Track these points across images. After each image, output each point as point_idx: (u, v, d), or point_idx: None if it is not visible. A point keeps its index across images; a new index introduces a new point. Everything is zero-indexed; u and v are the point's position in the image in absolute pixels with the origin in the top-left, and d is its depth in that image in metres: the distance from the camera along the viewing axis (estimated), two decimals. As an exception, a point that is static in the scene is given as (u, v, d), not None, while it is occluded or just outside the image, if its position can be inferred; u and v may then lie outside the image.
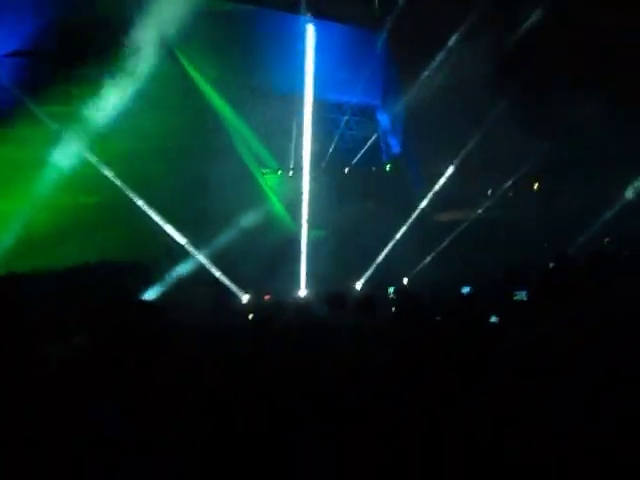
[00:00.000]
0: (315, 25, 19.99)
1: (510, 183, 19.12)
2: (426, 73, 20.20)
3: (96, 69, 15.89)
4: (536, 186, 22.71)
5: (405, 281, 14.23)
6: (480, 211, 18.28)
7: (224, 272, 14.91)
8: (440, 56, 20.30)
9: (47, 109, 14.90)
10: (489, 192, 23.26)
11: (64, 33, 16.24)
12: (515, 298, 4.68)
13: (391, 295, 12.80)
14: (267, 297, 13.75)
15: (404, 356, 3.58)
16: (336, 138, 22.13)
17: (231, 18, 19.16)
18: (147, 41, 17.17)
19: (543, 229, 15.20)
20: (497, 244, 14.61)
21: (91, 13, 16.28)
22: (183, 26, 18.27)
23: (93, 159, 14.44)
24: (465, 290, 6.64)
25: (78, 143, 14.33)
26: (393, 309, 6.41)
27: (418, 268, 14.86)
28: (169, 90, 16.98)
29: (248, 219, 15.30)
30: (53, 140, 14.41)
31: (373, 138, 23.04)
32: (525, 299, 4.61)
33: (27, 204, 13.71)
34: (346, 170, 21.33)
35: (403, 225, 16.90)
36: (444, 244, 14.70)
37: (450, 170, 17.51)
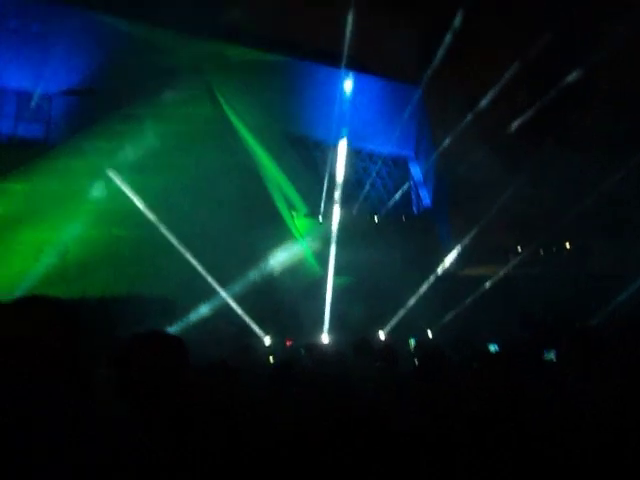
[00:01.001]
0: (352, 77, 20.63)
1: (540, 241, 18.90)
2: (459, 128, 20.47)
3: (141, 109, 16.68)
4: (568, 245, 22.40)
5: (429, 333, 14.00)
6: (509, 267, 18.03)
7: (248, 312, 14.93)
8: (473, 113, 20.63)
9: (91, 144, 15.57)
10: (518, 249, 23.02)
11: (114, 75, 17.19)
12: (545, 358, 4.55)
13: (412, 346, 12.62)
14: (289, 342, 13.66)
15: (424, 408, 3.53)
16: (367, 186, 22.43)
17: (271, 67, 20.01)
18: (191, 85, 18.02)
19: (574, 289, 14.88)
20: (525, 301, 14.32)
21: (140, 58, 17.28)
22: (226, 72, 19.18)
23: (129, 194, 14.90)
24: (492, 348, 6.47)
25: (116, 178, 14.88)
26: (415, 361, 6.33)
27: (443, 321, 14.62)
28: (207, 131, 17.62)
29: (275, 261, 15.43)
30: (93, 174, 15.01)
31: (404, 188, 23.30)
32: (554, 359, 4.49)
33: (64, 234, 14.16)
34: (375, 218, 21.45)
35: (430, 276, 16.78)
36: (471, 299, 14.46)
37: (480, 225, 17.44)
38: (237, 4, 17.23)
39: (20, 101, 16.51)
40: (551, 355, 4.60)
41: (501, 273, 16.57)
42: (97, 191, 14.55)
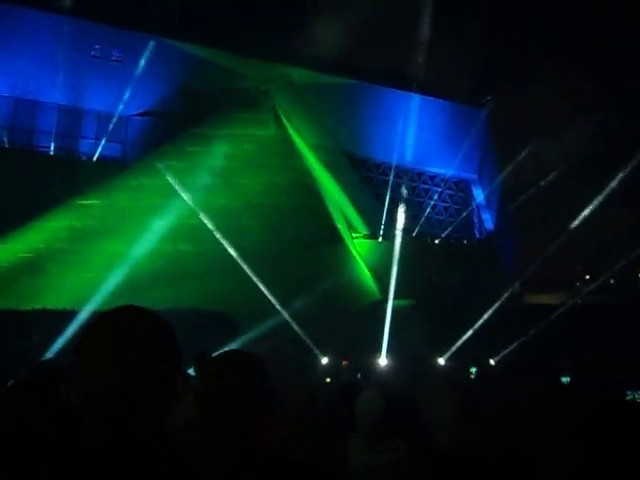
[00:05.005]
0: (415, 100, 20.59)
1: (612, 269, 17.94)
2: (526, 151, 19.97)
3: (210, 129, 17.35)
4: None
5: (492, 362, 13.54)
6: (577, 296, 17.22)
7: (306, 331, 14.95)
8: (539, 137, 20.13)
9: (163, 163, 16.29)
10: (587, 277, 21.97)
11: (186, 97, 18.01)
12: (628, 398, 4.25)
13: (473, 375, 12.25)
14: (345, 362, 13.57)
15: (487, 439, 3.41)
16: (428, 209, 22.18)
17: (335, 90, 20.30)
18: (256, 107, 18.57)
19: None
20: (596, 332, 13.56)
21: (210, 82, 18.04)
22: (290, 95, 19.64)
23: (197, 211, 15.40)
24: (565, 379, 6.17)
25: (185, 195, 15.45)
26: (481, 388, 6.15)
27: (507, 349, 14.09)
28: (271, 151, 18.05)
29: (334, 281, 15.42)
30: (163, 191, 15.66)
31: (466, 212, 22.87)
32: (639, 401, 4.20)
33: (133, 248, 14.78)
34: (436, 241, 21.12)
35: (493, 303, 16.25)
36: (538, 327, 13.82)
37: (546, 251, 16.78)
38: (302, 28, 17.65)
39: (100, 122, 17.56)
40: (635, 396, 4.30)
41: (570, 301, 15.81)
42: (166, 208, 15.11)
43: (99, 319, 1.08)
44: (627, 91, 19.18)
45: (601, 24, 20.89)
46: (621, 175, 16.28)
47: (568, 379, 6.26)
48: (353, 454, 2.74)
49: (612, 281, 19.76)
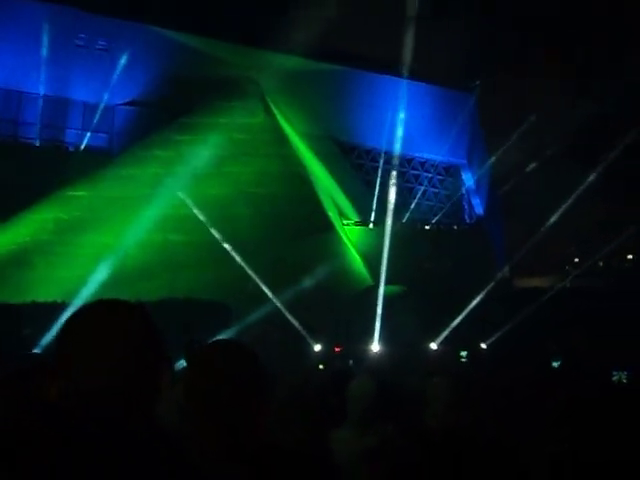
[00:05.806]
0: (404, 85, 20.51)
1: (600, 252, 18.10)
2: (515, 135, 20.01)
3: (198, 118, 17.20)
4: (629, 257, 21.44)
5: (483, 345, 13.68)
6: (566, 279, 17.37)
7: (298, 319, 14.99)
8: (528, 122, 20.18)
9: (151, 153, 16.15)
10: (575, 260, 22.16)
11: (173, 86, 17.81)
12: (614, 379, 4.31)
13: (463, 359, 12.41)
14: (338, 349, 13.66)
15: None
16: (418, 195, 22.22)
17: (324, 76, 20.17)
18: (245, 95, 18.41)
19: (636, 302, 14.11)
20: (584, 314, 13.72)
21: (198, 70, 17.83)
22: (279, 82, 19.48)
23: (186, 200, 15.30)
24: (555, 363, 6.24)
25: (174, 185, 15.34)
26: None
27: (498, 333, 14.22)
28: (260, 140, 17.94)
29: (326, 268, 15.45)
30: (152, 181, 15.55)
31: (456, 197, 22.93)
32: (624, 381, 4.26)
33: (124, 239, 14.69)
34: (427, 227, 21.19)
35: (483, 287, 16.36)
36: (528, 310, 13.95)
37: (535, 235, 16.88)
38: (290, 15, 17.48)
39: (86, 112, 17.35)
40: (621, 376, 4.36)
41: (558, 285, 15.95)
42: (156, 198, 15.00)
43: (80, 313, 1.07)
44: (623, 81, 19.23)
45: (598, 14, 20.90)
46: (610, 161, 16.41)
47: (558, 363, 6.32)
48: (344, 440, 2.76)
49: (600, 264, 19.95)
